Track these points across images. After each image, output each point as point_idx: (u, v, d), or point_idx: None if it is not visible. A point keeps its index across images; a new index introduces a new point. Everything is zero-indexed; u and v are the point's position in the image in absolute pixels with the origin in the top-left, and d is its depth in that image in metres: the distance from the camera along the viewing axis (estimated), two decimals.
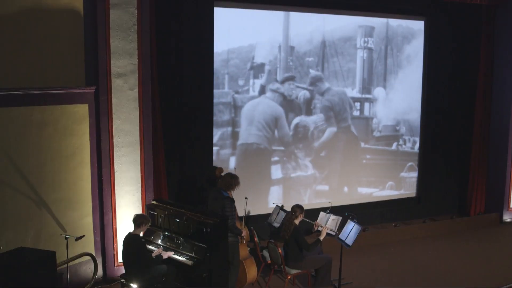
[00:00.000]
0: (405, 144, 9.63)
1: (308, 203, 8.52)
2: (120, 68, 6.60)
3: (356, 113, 9.09)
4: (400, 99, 9.46)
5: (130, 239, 5.87)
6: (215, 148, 7.99)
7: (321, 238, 6.58)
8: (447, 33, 9.57)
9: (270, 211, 7.47)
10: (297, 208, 6.57)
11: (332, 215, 6.83)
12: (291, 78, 8.44)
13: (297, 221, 6.53)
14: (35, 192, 6.23)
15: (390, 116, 9.42)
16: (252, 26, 8.02)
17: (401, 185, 9.69)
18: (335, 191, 9.02)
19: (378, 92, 9.25)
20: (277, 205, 7.35)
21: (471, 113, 9.82)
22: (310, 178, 8.79)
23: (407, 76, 9.46)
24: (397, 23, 9.23)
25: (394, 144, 9.53)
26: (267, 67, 8.20)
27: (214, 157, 7.97)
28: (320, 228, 6.74)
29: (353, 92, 9.01)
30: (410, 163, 9.70)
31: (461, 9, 9.40)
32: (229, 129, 8.06)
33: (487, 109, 9.75)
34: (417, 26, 9.45)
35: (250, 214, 8.04)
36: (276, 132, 8.39)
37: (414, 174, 9.77)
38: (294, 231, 6.46)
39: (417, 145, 9.71)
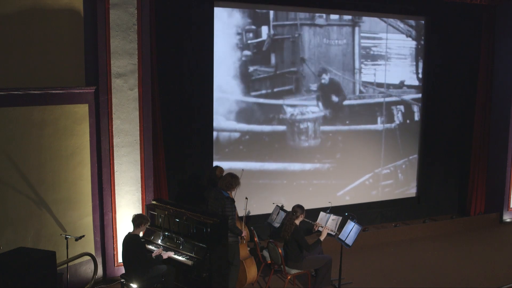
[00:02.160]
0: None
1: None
2: (120, 68, 6.60)
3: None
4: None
5: (129, 239, 5.87)
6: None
7: (322, 238, 6.58)
8: (447, 33, 9.57)
9: (270, 211, 7.48)
10: (298, 208, 6.57)
11: (332, 215, 6.83)
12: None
13: (297, 221, 6.53)
14: (35, 192, 6.23)
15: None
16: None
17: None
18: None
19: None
20: (277, 205, 7.35)
21: (471, 113, 9.82)
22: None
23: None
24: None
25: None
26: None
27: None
28: (320, 229, 6.74)
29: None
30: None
31: (461, 9, 9.40)
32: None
33: (487, 109, 9.74)
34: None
35: (250, 214, 8.05)
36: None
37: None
38: (294, 231, 6.46)
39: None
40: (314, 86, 8.71)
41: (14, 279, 4.81)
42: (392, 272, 7.51)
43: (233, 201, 6.40)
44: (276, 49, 8.34)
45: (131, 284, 5.80)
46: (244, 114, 8.22)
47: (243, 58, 8.11)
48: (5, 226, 6.00)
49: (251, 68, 8.19)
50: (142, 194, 6.90)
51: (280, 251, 6.46)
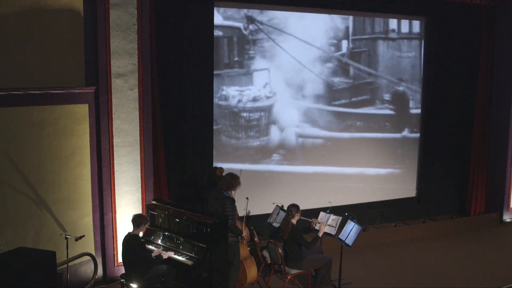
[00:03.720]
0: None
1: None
2: (120, 68, 6.60)
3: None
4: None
5: (129, 239, 5.87)
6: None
7: (320, 234, 6.58)
8: (447, 33, 9.57)
9: (270, 211, 7.47)
10: (293, 207, 6.57)
11: (332, 215, 6.84)
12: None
13: (294, 220, 6.53)
14: (35, 192, 6.23)
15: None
16: None
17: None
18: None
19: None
20: (277, 205, 7.34)
21: (471, 113, 9.82)
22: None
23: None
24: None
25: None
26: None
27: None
28: (318, 226, 6.73)
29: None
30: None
31: (461, 9, 9.40)
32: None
33: (487, 109, 9.74)
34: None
35: (250, 214, 8.04)
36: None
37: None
38: (292, 230, 6.46)
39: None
40: (387, 96, 9.23)
41: (14, 279, 4.81)
42: (392, 272, 7.51)
43: (233, 201, 6.40)
44: (354, 61, 8.84)
45: (131, 284, 5.80)
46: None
47: (326, 70, 8.67)
48: (5, 226, 6.00)
49: (335, 80, 8.72)
50: (142, 194, 6.90)
51: (280, 251, 6.46)
